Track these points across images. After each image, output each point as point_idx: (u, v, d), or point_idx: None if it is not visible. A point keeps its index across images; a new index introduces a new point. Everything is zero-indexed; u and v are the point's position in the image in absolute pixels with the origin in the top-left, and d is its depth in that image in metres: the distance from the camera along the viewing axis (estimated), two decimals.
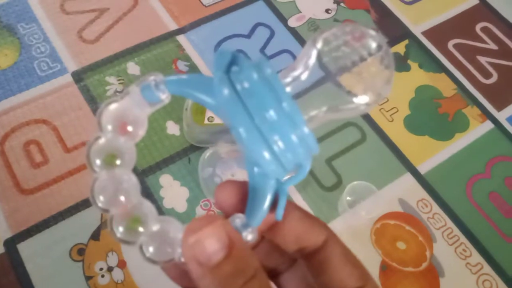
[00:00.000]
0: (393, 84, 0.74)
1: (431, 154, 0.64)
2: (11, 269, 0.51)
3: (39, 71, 0.65)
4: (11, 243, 0.53)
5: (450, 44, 0.75)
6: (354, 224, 0.58)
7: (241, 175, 0.59)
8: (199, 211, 0.57)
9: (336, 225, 0.57)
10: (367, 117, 0.66)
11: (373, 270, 0.55)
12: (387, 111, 0.67)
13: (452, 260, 0.57)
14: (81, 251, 0.53)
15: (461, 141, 0.66)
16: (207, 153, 0.59)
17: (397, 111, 0.67)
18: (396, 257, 0.56)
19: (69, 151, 0.59)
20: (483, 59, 0.74)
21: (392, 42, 0.74)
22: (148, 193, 0.57)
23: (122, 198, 0.22)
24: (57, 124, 0.61)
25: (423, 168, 0.63)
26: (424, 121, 0.67)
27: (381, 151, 0.64)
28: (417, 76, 0.71)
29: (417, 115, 0.67)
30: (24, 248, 0.52)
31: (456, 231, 0.59)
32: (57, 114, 0.61)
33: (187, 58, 0.68)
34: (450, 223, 0.59)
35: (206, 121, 0.59)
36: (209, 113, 0.59)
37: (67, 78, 0.65)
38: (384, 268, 0.56)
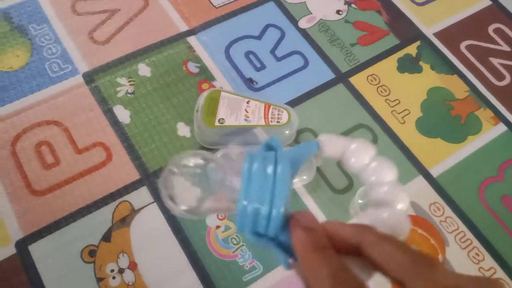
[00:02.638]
0: (404, 85, 0.74)
1: (444, 157, 0.64)
2: (23, 270, 0.51)
3: (50, 72, 0.65)
4: (23, 244, 0.53)
5: (463, 46, 0.74)
6: None
7: None
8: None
9: None
10: (378, 119, 0.65)
11: None
12: (399, 113, 0.66)
13: (464, 264, 0.56)
14: (92, 253, 0.53)
15: (473, 144, 0.65)
16: (218, 155, 0.59)
17: (409, 113, 0.67)
18: None
19: (80, 152, 0.59)
20: (495, 61, 0.73)
21: (404, 44, 0.73)
22: (159, 195, 0.57)
23: None
24: (68, 125, 0.61)
25: (435, 171, 0.62)
26: (436, 123, 0.66)
27: (392, 153, 0.63)
28: (429, 77, 0.70)
29: (429, 117, 0.67)
30: (35, 249, 0.53)
31: (469, 235, 0.58)
32: (68, 115, 0.62)
33: (197, 60, 0.68)
34: (462, 227, 0.59)
35: (217, 123, 0.58)
36: (220, 115, 0.59)
37: (78, 79, 0.65)
38: None
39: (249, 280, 0.53)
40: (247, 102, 0.60)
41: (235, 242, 0.55)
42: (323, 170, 0.61)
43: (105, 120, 0.62)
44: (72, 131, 0.60)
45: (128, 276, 0.52)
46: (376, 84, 0.69)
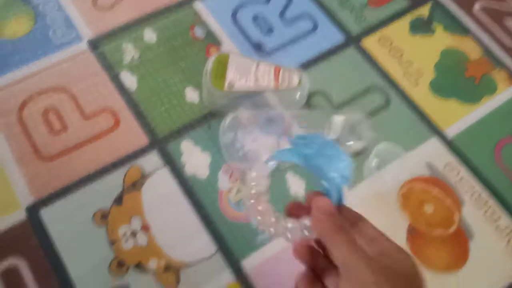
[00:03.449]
0: (417, 47, 0.72)
1: (458, 118, 0.62)
2: (34, 235, 0.51)
3: (54, 39, 0.64)
4: (33, 209, 0.52)
5: (476, 6, 0.72)
6: (380, 188, 0.56)
7: (262, 140, 0.57)
8: (221, 177, 0.56)
9: (362, 190, 0.56)
10: (391, 82, 0.64)
11: (400, 234, 0.54)
12: (412, 75, 0.65)
13: (481, 224, 0.55)
14: (104, 216, 0.52)
15: (488, 104, 0.64)
16: (227, 119, 0.58)
17: (422, 74, 0.65)
18: (424, 221, 0.55)
19: (88, 118, 0.58)
20: (511, 22, 0.71)
21: (416, 5, 0.71)
22: (169, 159, 0.56)
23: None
24: (75, 91, 0.60)
25: (450, 132, 0.61)
26: (450, 84, 0.65)
27: (406, 115, 0.62)
28: (442, 39, 0.68)
29: (442, 78, 0.65)
30: (46, 214, 0.52)
31: (485, 194, 0.57)
32: (74, 81, 0.60)
33: (204, 25, 0.66)
34: (478, 187, 0.58)
35: (226, 86, 0.57)
36: (229, 78, 0.58)
37: (83, 46, 0.63)
38: (412, 232, 0.54)
39: (262, 241, 0.52)
40: (257, 65, 0.59)
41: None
42: None
43: (112, 86, 0.60)
44: (78, 97, 0.59)
45: (141, 238, 0.51)
46: (388, 47, 0.67)
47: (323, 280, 0.34)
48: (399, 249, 0.31)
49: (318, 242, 0.36)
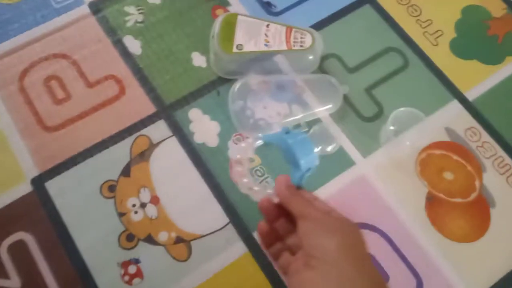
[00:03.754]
0: (437, 4, 0.67)
1: (480, 80, 0.59)
2: (41, 207, 0.49)
3: (54, 3, 0.60)
4: (39, 181, 0.51)
5: None
6: (397, 155, 0.54)
7: (272, 107, 0.55)
8: (232, 146, 0.54)
9: (378, 157, 0.54)
10: (409, 42, 0.60)
11: (419, 201, 0.52)
12: (431, 34, 0.61)
13: (503, 190, 0.53)
14: (112, 188, 0.51)
15: None
16: (237, 85, 0.55)
17: (442, 34, 0.61)
18: (443, 188, 0.53)
19: (92, 86, 0.56)
20: None
21: None
22: (178, 127, 0.54)
23: None
24: (77, 58, 0.57)
25: (471, 95, 0.58)
26: (472, 44, 0.61)
27: (425, 77, 0.59)
28: None
29: (464, 38, 0.61)
30: (53, 186, 0.50)
31: (508, 159, 0.55)
32: (76, 47, 0.58)
33: None
34: (501, 152, 0.55)
35: (235, 49, 0.54)
36: (237, 41, 0.55)
37: (84, 9, 0.60)
38: (430, 199, 0.52)
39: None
40: (267, 26, 0.56)
41: (259, 174, 0.52)
42: (350, 97, 0.57)
43: (115, 52, 0.58)
44: (81, 64, 0.57)
45: (151, 210, 0.50)
46: (406, 4, 0.63)
47: (284, 240, 0.40)
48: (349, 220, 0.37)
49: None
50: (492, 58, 0.60)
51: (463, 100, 0.58)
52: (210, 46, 0.56)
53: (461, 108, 0.57)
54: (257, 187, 0.44)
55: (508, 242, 0.51)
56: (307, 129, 0.54)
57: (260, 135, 0.44)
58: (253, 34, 0.55)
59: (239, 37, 0.55)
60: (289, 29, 0.55)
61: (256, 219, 0.49)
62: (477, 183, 0.53)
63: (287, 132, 0.43)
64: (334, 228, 0.35)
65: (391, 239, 0.50)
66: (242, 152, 0.45)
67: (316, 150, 0.49)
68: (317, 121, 0.54)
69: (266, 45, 0.55)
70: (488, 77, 0.59)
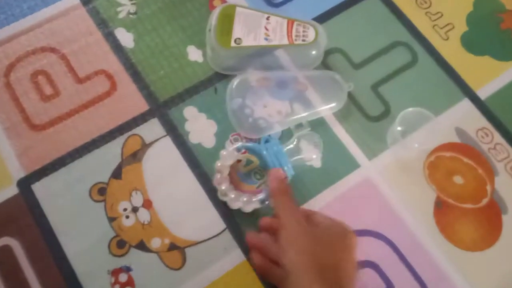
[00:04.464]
0: None
1: (493, 77, 0.56)
2: (27, 210, 0.47)
3: None
4: (25, 183, 0.48)
5: None
6: (405, 157, 0.51)
7: (273, 105, 0.52)
8: (229, 146, 0.51)
9: (385, 159, 0.51)
10: (418, 36, 0.57)
11: (427, 207, 0.49)
12: (442, 28, 0.58)
13: None
14: (102, 191, 0.48)
15: None
16: (235, 82, 0.52)
17: (453, 27, 0.58)
18: (453, 193, 0.50)
19: (81, 82, 0.53)
20: None
21: None
22: (172, 126, 0.51)
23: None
24: (66, 52, 0.54)
25: (483, 93, 0.55)
26: (484, 38, 0.58)
27: (435, 74, 0.56)
28: None
29: (476, 32, 0.58)
30: (40, 188, 0.48)
31: None
32: (65, 40, 0.55)
33: None
34: None
35: (233, 44, 0.51)
36: (236, 34, 0.51)
37: (74, 0, 0.57)
38: (439, 205, 0.49)
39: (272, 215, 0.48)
40: (267, 18, 0.52)
41: (258, 177, 0.50)
42: (355, 95, 0.54)
43: (107, 45, 0.55)
44: (70, 58, 0.54)
45: (143, 214, 0.47)
46: None
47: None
48: (340, 223, 0.42)
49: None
50: (506, 53, 0.57)
51: (474, 99, 0.54)
52: (207, 40, 0.53)
53: (472, 107, 0.54)
54: (233, 194, 0.46)
55: None
56: (309, 128, 0.51)
57: (239, 143, 0.48)
58: (253, 27, 0.52)
59: (238, 30, 0.52)
60: (290, 22, 0.52)
61: (255, 226, 0.47)
62: (488, 188, 0.50)
63: (266, 140, 0.49)
64: (299, 236, 0.39)
65: (397, 247, 0.47)
66: (223, 160, 0.46)
67: (296, 158, 0.50)
68: (305, 127, 0.51)
69: (266, 39, 0.52)
70: (501, 74, 0.56)
